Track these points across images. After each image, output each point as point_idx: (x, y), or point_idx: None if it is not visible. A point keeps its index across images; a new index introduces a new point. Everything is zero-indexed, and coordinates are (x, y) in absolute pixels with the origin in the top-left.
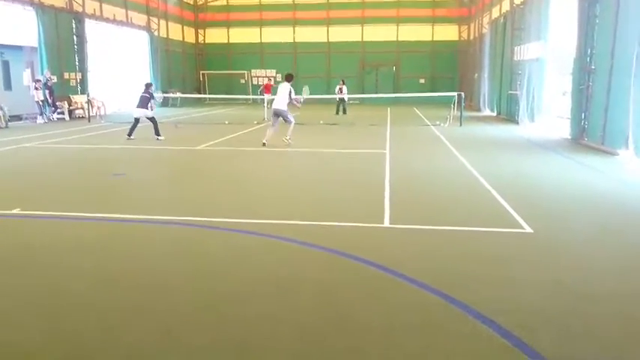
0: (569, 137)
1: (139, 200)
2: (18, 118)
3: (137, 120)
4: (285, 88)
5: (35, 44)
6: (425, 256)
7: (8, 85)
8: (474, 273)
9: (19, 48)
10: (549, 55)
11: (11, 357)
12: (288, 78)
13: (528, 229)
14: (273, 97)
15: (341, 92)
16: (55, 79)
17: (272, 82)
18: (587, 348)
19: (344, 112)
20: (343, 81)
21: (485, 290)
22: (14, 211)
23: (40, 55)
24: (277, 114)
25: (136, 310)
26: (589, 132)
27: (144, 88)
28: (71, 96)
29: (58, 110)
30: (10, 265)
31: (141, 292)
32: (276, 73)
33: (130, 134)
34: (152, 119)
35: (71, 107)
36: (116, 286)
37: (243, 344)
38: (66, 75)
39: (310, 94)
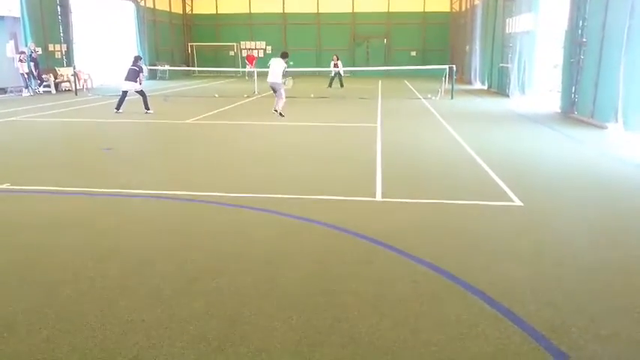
0: (560, 110)
1: (128, 174)
2: (3, 91)
3: (125, 93)
4: (279, 63)
5: (18, 14)
6: (416, 229)
7: None
8: (465, 245)
9: (1, 18)
10: (540, 27)
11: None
12: (284, 55)
13: (518, 202)
14: (254, 69)
15: (336, 67)
16: (39, 50)
17: (255, 55)
18: (568, 314)
19: (341, 85)
20: (337, 56)
21: (476, 262)
22: (3, 186)
23: (23, 25)
24: (273, 88)
25: (126, 283)
26: (579, 105)
27: (132, 60)
28: (57, 68)
29: (44, 83)
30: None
31: (132, 264)
32: (266, 45)
33: (117, 107)
34: (141, 92)
35: (57, 80)
36: (107, 260)
37: (235, 315)
38: (51, 47)
39: (293, 84)
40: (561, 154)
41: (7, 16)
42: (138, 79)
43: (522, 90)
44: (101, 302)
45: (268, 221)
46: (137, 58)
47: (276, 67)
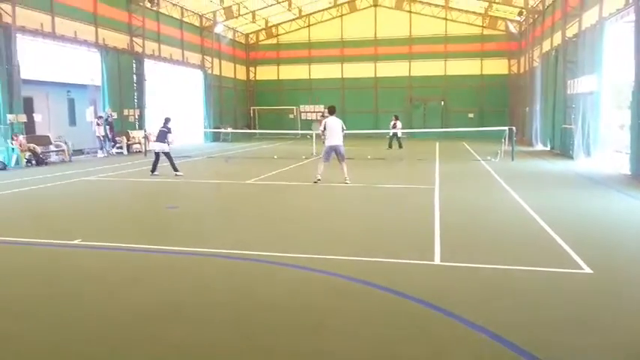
0: (629, 173)
1: (192, 232)
2: (80, 152)
3: (157, 155)
4: (337, 122)
5: (99, 83)
6: (477, 295)
7: (73, 121)
8: (531, 314)
9: (84, 87)
10: (604, 87)
11: None
12: (333, 110)
13: (588, 270)
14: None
15: (395, 127)
16: (115, 115)
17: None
18: None
19: (399, 146)
20: (397, 116)
21: (544, 333)
22: (76, 242)
23: (102, 93)
24: (335, 149)
25: (182, 345)
26: None
27: (163, 122)
28: (129, 131)
29: (117, 145)
30: (71, 294)
31: (192, 326)
32: (324, 108)
33: (153, 170)
34: (167, 155)
35: (129, 142)
36: (169, 318)
37: None
38: (125, 111)
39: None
40: (632, 219)
41: (89, 85)
42: (166, 140)
43: (587, 151)
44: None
45: (324, 283)
46: (167, 120)
47: (336, 126)
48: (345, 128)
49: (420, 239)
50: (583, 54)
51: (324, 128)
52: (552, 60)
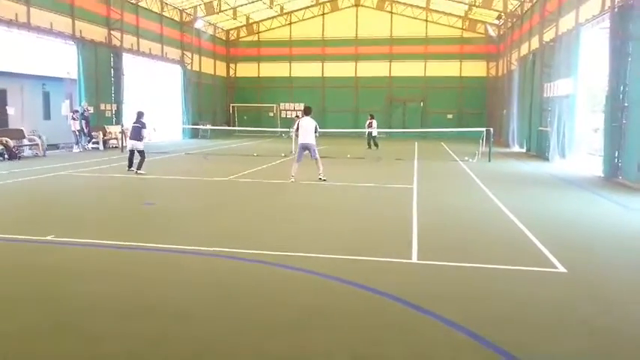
0: (602, 175)
1: (169, 229)
2: (55, 147)
3: (132, 152)
4: (311, 122)
5: (75, 76)
6: (454, 293)
7: (48, 115)
8: (506, 313)
9: (60, 80)
10: (580, 91)
11: None
12: (308, 111)
13: (561, 269)
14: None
15: (370, 127)
16: (91, 109)
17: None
18: None
19: (376, 145)
20: (372, 115)
21: (518, 332)
22: (48, 237)
23: (78, 86)
24: (307, 148)
25: (161, 338)
26: (624, 170)
27: (136, 117)
28: (106, 126)
29: (93, 140)
30: (41, 290)
31: (167, 320)
32: (304, 106)
33: (129, 166)
34: (141, 152)
35: (105, 137)
36: (144, 314)
37: None
38: (102, 106)
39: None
40: (605, 220)
41: (65, 78)
42: (141, 137)
43: (562, 154)
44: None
45: (301, 280)
46: (140, 115)
47: (310, 126)
48: (318, 129)
49: (397, 238)
50: (559, 58)
51: (297, 128)
52: (529, 63)
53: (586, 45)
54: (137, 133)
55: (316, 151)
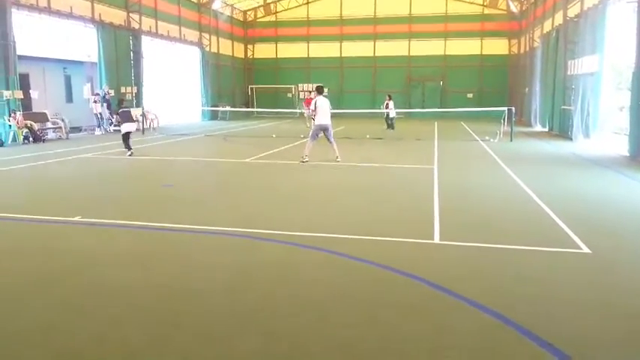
0: (627, 154)
1: (187, 210)
2: (77, 129)
3: (126, 135)
4: (327, 102)
5: (95, 60)
6: (477, 274)
7: (70, 98)
8: (530, 294)
9: (80, 63)
10: (605, 69)
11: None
12: (321, 90)
13: (586, 250)
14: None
15: (387, 107)
16: (112, 92)
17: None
18: None
19: (392, 127)
20: (390, 96)
21: (542, 311)
22: (75, 219)
23: (99, 70)
24: (325, 129)
25: (179, 320)
26: None
27: (117, 103)
28: None
29: (115, 122)
30: (72, 272)
31: (188, 300)
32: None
33: (129, 148)
34: (126, 135)
35: None
36: (164, 292)
37: (286, 356)
38: (122, 89)
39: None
40: (631, 200)
41: (86, 62)
42: (134, 119)
43: (586, 133)
44: (158, 339)
45: (322, 261)
46: (121, 101)
47: (327, 106)
48: (331, 108)
49: (419, 218)
50: (584, 34)
51: (314, 107)
52: (553, 40)
53: (612, 21)
54: (130, 116)
55: (332, 132)
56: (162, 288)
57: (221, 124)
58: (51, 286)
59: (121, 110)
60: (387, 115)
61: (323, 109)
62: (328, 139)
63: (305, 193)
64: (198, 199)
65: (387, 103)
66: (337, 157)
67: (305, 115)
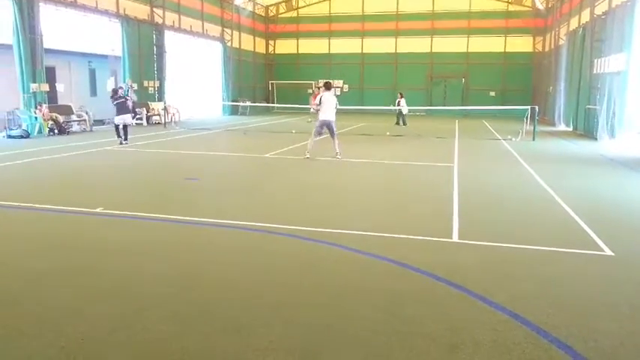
0: None
1: (210, 204)
2: (101, 122)
3: (123, 126)
4: (332, 97)
5: (119, 54)
6: (496, 273)
7: (94, 92)
8: (549, 294)
9: (105, 57)
10: (632, 67)
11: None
12: (329, 86)
13: (609, 252)
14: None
15: (399, 105)
16: (135, 86)
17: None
18: None
19: (404, 123)
20: (401, 94)
21: (562, 314)
22: (98, 210)
23: (123, 64)
24: (328, 125)
25: (206, 309)
26: None
27: (112, 94)
28: (149, 103)
29: (137, 116)
30: (94, 264)
31: (211, 291)
32: (343, 83)
33: (125, 139)
34: (122, 127)
35: (149, 113)
36: (190, 285)
37: (304, 350)
38: (145, 83)
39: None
40: None
41: (110, 55)
42: (130, 109)
43: (612, 133)
44: (181, 325)
45: (341, 257)
46: (115, 91)
47: (332, 101)
48: (337, 106)
49: (438, 217)
50: (612, 32)
51: (319, 102)
52: (579, 38)
53: None
54: (126, 108)
55: (335, 129)
56: (185, 279)
57: (241, 119)
58: (76, 275)
59: (116, 102)
60: (400, 111)
61: (327, 105)
62: (331, 135)
63: (323, 190)
64: (218, 193)
65: (399, 101)
66: (337, 154)
67: (311, 110)
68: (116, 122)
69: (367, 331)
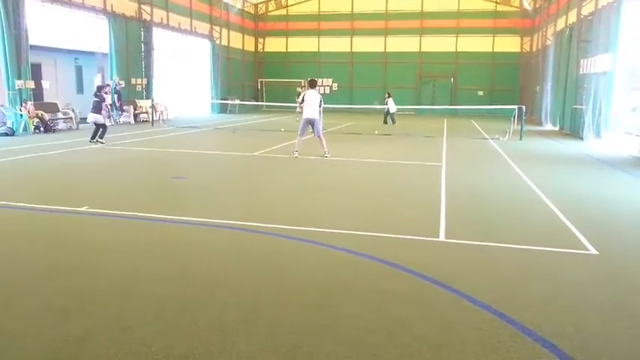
0: (638, 155)
1: (197, 203)
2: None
3: (98, 126)
4: (315, 96)
5: (106, 51)
6: (482, 273)
7: (80, 89)
8: (534, 293)
9: (92, 54)
10: (618, 68)
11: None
12: (314, 84)
13: (593, 251)
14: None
15: (386, 104)
16: (122, 84)
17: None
18: None
19: (393, 121)
20: (389, 94)
21: (547, 313)
22: (83, 209)
23: (110, 61)
24: (311, 123)
25: (189, 308)
26: None
27: (95, 90)
28: (137, 100)
29: (124, 114)
30: (80, 265)
31: (197, 291)
32: (332, 82)
33: (92, 138)
34: (102, 126)
35: (136, 111)
36: (175, 284)
37: (292, 351)
38: (133, 80)
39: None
40: None
41: (97, 52)
42: (100, 110)
43: (597, 133)
44: (164, 325)
45: (327, 256)
46: (99, 88)
47: (314, 100)
48: (322, 104)
49: (425, 216)
50: (598, 33)
51: (302, 100)
52: (566, 38)
53: (627, 19)
54: (98, 107)
55: (320, 127)
56: (168, 277)
57: (230, 117)
58: (57, 274)
59: (93, 100)
60: (387, 110)
61: (310, 103)
62: (315, 134)
63: (311, 189)
64: (206, 192)
65: (387, 100)
66: (325, 153)
67: (297, 109)
68: (88, 120)
69: (354, 329)
